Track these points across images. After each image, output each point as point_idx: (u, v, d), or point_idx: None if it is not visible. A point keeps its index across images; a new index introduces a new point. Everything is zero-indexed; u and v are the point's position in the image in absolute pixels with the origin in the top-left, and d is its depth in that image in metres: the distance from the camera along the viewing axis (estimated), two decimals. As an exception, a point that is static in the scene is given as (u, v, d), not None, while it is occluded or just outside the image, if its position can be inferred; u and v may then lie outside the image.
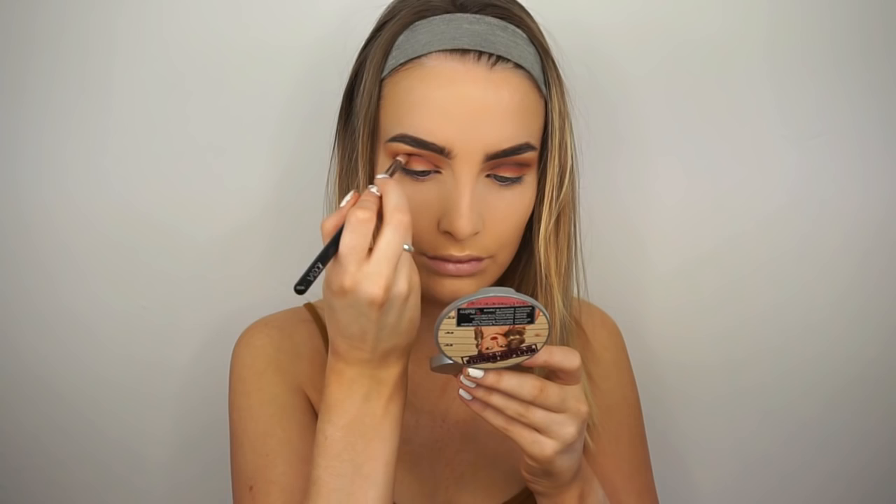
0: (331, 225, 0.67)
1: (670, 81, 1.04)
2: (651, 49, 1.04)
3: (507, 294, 0.68)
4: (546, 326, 0.69)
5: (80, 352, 1.05)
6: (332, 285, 0.67)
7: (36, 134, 1.00)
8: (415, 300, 0.70)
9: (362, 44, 0.82)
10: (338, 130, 0.85)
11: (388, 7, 0.82)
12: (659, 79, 1.04)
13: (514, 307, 0.68)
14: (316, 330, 0.91)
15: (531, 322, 0.69)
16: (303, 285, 0.62)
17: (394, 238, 0.66)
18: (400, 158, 0.75)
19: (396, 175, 0.75)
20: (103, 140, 1.01)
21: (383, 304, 0.66)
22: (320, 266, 0.65)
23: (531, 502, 0.83)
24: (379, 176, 0.71)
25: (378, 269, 0.65)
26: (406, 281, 0.68)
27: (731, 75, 1.04)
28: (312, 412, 0.87)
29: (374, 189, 0.69)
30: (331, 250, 0.66)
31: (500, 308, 0.68)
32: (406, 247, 0.67)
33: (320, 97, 0.93)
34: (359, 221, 0.65)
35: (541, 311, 0.69)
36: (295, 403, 0.86)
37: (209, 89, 1.01)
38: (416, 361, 0.84)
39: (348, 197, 0.69)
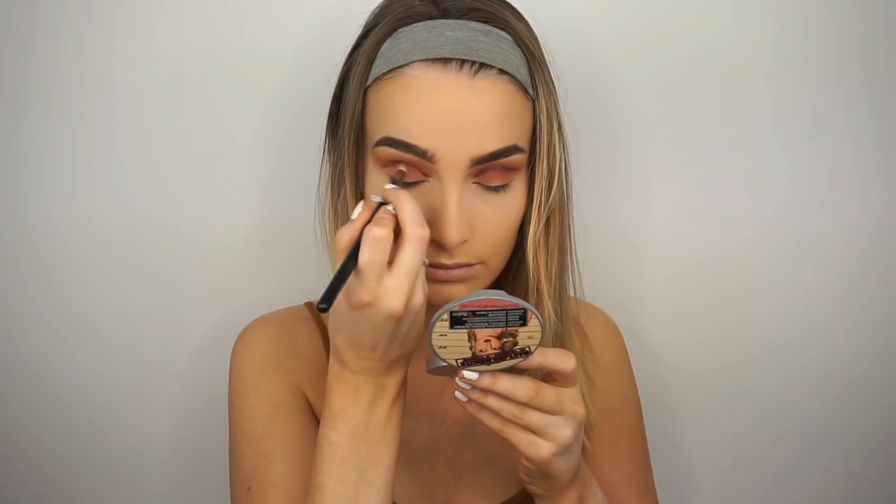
0: (346, 239, 0.66)
1: (666, 86, 1.04)
2: (646, 54, 1.03)
3: (499, 297, 0.68)
4: (539, 329, 0.69)
5: (81, 351, 1.05)
6: (352, 298, 0.66)
7: (36, 135, 1.01)
8: (422, 312, 0.70)
9: (349, 49, 0.81)
10: (327, 136, 0.84)
11: (374, 12, 0.81)
12: (654, 83, 1.04)
13: (506, 310, 0.68)
14: (315, 328, 0.91)
15: (524, 324, 0.69)
16: (326, 303, 0.61)
17: (414, 254, 0.66)
18: (402, 168, 0.74)
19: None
20: (103, 141, 1.01)
21: (401, 318, 0.67)
22: (342, 284, 0.64)
23: (530, 502, 0.83)
24: (388, 186, 0.70)
25: (399, 285, 0.65)
26: (422, 293, 0.68)
27: (725, 79, 1.04)
28: (311, 412, 0.87)
29: (378, 199, 0.69)
30: (349, 265, 0.65)
31: (492, 311, 0.68)
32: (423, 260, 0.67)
33: (319, 98, 0.92)
34: (376, 240, 0.65)
35: (533, 313, 0.68)
36: (293, 403, 0.86)
37: (209, 91, 1.01)
38: (415, 363, 0.83)
39: (358, 208, 0.69)
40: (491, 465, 0.89)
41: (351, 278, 0.66)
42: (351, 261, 0.65)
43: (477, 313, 0.68)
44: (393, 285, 0.65)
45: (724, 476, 1.13)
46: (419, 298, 0.68)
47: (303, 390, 0.87)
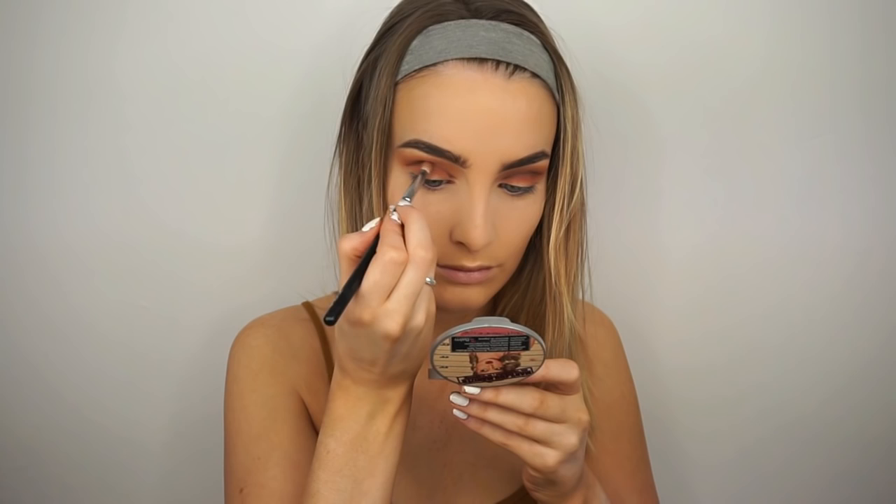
0: (349, 247, 0.65)
1: (677, 84, 1.04)
2: (659, 53, 1.03)
3: (502, 324, 0.66)
4: (541, 352, 0.67)
5: (82, 350, 1.05)
6: (351, 316, 0.65)
7: (39, 133, 1.00)
8: (428, 329, 0.68)
9: (367, 47, 0.80)
10: (341, 134, 0.82)
11: (395, 8, 0.80)
12: (665, 82, 1.04)
13: (509, 336, 0.66)
14: (313, 329, 0.89)
15: (526, 349, 0.67)
16: (332, 316, 0.60)
17: (416, 276, 0.64)
18: (425, 168, 0.73)
19: (417, 193, 0.73)
20: (105, 140, 1.00)
21: (398, 339, 0.65)
22: (350, 298, 0.63)
23: (528, 500, 0.83)
24: (402, 203, 0.68)
25: (398, 308, 0.64)
26: (423, 315, 0.66)
27: (734, 77, 1.03)
28: (307, 415, 0.86)
29: (394, 216, 0.66)
30: (356, 282, 0.63)
31: (494, 337, 0.66)
32: (428, 280, 0.65)
33: (324, 99, 0.92)
34: (392, 263, 0.63)
35: (536, 339, 0.66)
36: (289, 406, 0.85)
37: (213, 91, 1.00)
38: None
39: (373, 224, 0.67)
40: (491, 466, 0.88)
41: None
42: (358, 277, 0.63)
43: (479, 339, 0.66)
44: (392, 307, 0.64)
45: (723, 472, 1.14)
46: (419, 320, 0.66)
47: (299, 393, 0.86)
